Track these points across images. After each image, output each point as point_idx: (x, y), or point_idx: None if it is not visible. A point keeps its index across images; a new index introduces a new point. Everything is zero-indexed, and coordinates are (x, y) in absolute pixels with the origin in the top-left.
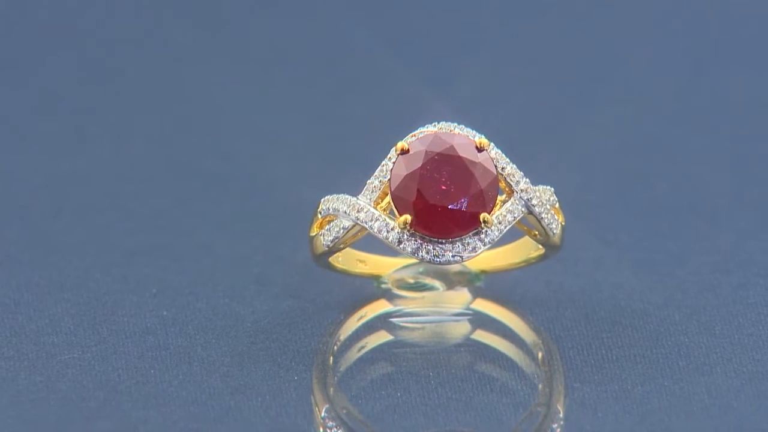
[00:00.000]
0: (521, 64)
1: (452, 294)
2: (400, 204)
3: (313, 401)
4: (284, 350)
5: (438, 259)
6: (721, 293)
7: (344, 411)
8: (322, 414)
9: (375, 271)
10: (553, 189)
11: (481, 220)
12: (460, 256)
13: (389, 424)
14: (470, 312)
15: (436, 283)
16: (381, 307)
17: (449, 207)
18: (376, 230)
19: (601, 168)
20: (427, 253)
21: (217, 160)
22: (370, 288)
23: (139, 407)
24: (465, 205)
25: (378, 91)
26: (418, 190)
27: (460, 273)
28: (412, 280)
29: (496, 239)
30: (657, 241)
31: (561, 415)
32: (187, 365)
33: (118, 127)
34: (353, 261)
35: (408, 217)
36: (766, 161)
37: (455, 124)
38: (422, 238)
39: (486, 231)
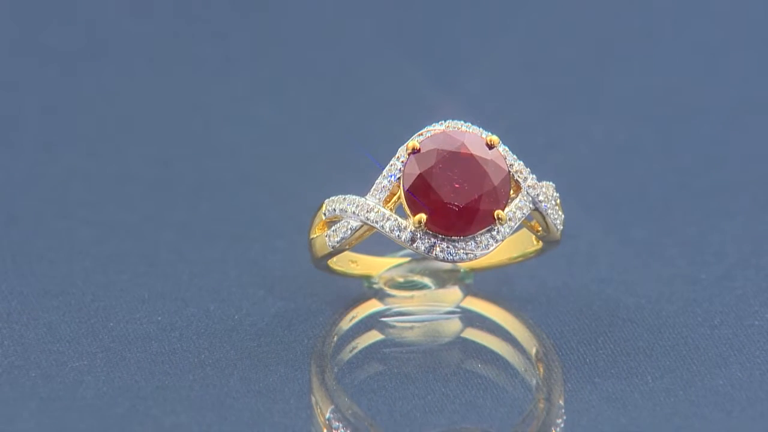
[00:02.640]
0: (512, 62)
1: (443, 292)
2: (413, 203)
3: (314, 402)
4: (293, 352)
5: (452, 257)
6: (707, 285)
7: (350, 412)
8: (327, 415)
9: (366, 272)
10: (554, 185)
11: (496, 217)
12: (474, 254)
13: (388, 423)
14: (461, 310)
15: (427, 282)
16: (372, 306)
17: (464, 205)
18: (387, 230)
19: (575, 165)
20: (441, 251)
21: (162, 164)
22: (359, 288)
23: (168, 412)
24: (479, 202)
25: (373, 91)
26: (432, 189)
27: (451, 271)
28: (401, 279)
29: (507, 236)
30: (624, 234)
31: (563, 410)
32: (201, 369)
33: (61, 130)
34: (346, 262)
35: (423, 216)
36: (720, 153)
37: (462, 121)
38: (435, 237)
39: (497, 228)
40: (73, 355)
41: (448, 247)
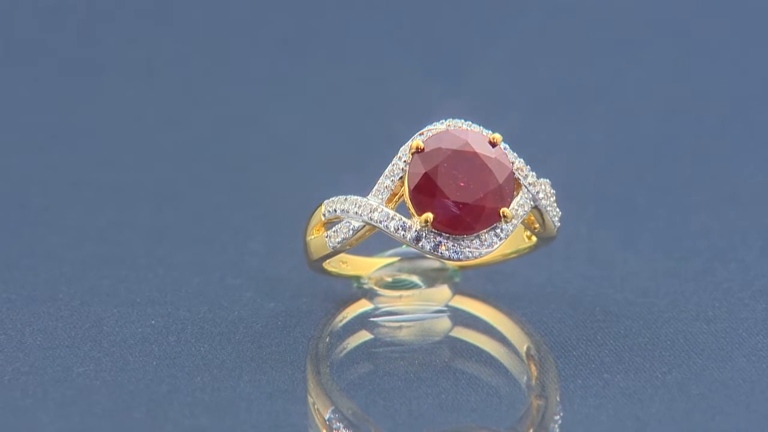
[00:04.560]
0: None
1: (432, 291)
2: (419, 202)
3: (311, 401)
4: (296, 353)
5: (457, 256)
6: (690, 279)
7: (350, 412)
8: (328, 416)
9: (356, 272)
10: (549, 181)
11: (501, 214)
12: (479, 252)
13: (386, 422)
14: (451, 309)
15: (416, 280)
16: (361, 306)
17: (470, 203)
18: (392, 230)
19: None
20: (447, 250)
21: (115, 168)
22: (347, 288)
23: (187, 416)
24: (485, 200)
25: (369, 90)
26: (438, 188)
27: (439, 270)
28: (390, 279)
29: (510, 233)
30: (595, 229)
31: (560, 407)
32: (208, 372)
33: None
34: (337, 262)
35: (430, 216)
36: (677, 149)
37: (462, 120)
38: (440, 236)
39: (501, 226)
40: (76, 360)
41: (453, 245)
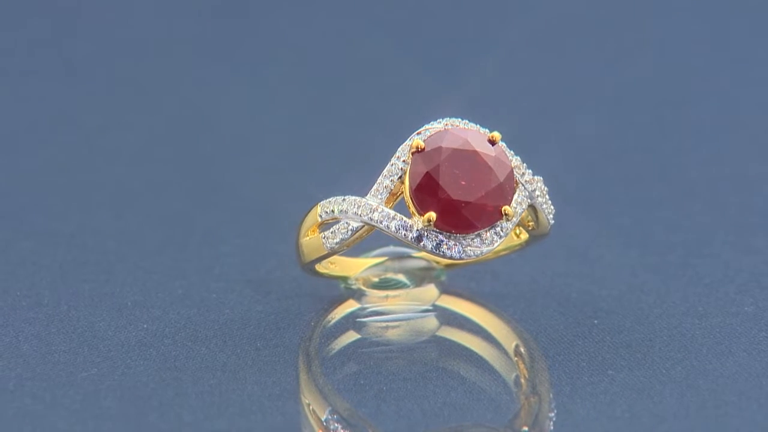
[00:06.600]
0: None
1: (419, 291)
2: (421, 202)
3: (306, 402)
4: (294, 355)
5: (459, 255)
6: (671, 275)
7: (347, 413)
8: (325, 416)
9: (344, 273)
10: (542, 178)
11: (503, 212)
12: (480, 250)
13: (382, 422)
14: (438, 308)
15: (403, 280)
16: (349, 307)
17: (472, 202)
18: (393, 230)
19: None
20: (448, 249)
21: (82, 172)
22: (333, 289)
23: (201, 418)
24: (486, 199)
25: (365, 90)
26: (440, 187)
27: (426, 269)
28: (377, 279)
29: (509, 231)
30: (562, 225)
31: (553, 404)
32: (212, 374)
33: None
34: (326, 263)
35: (433, 215)
36: (633, 143)
37: (459, 119)
38: (441, 234)
39: (501, 224)
40: (77, 365)
41: (455, 244)
